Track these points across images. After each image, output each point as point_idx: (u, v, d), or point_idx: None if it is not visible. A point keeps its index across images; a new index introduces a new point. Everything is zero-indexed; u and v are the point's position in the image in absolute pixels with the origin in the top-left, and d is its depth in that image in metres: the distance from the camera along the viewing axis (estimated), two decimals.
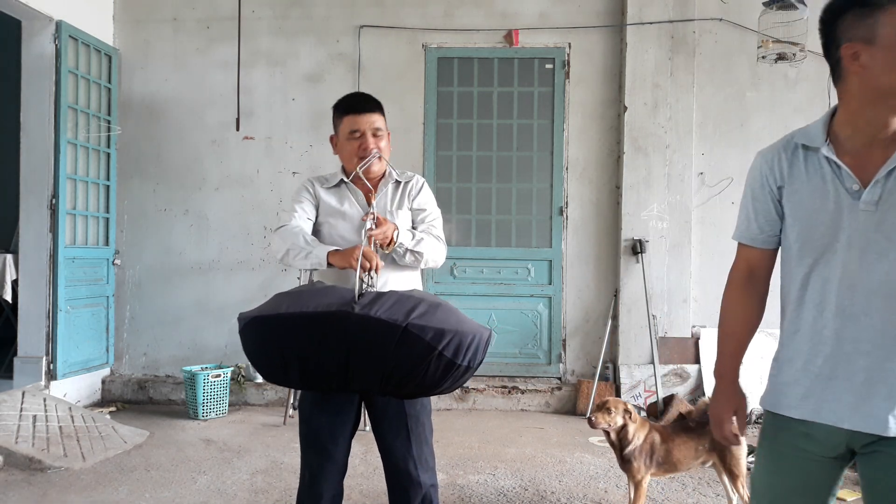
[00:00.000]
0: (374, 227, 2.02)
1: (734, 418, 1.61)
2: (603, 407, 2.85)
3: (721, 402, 1.63)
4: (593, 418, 2.82)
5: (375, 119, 2.22)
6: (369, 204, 2.21)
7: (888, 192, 1.38)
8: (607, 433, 2.87)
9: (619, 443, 2.86)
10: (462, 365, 1.87)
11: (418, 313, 1.83)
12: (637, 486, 2.87)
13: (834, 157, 1.43)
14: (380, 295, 1.89)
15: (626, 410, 2.85)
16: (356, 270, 1.93)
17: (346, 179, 2.26)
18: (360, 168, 2.16)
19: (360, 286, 1.91)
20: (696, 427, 2.97)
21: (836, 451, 1.46)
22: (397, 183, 2.30)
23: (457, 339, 1.84)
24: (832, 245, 1.44)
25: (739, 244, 1.63)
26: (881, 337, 1.39)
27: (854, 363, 1.41)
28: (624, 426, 2.83)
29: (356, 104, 2.23)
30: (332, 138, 2.30)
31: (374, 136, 2.21)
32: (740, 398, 1.61)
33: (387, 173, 2.29)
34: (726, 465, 2.92)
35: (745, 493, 2.95)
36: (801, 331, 1.49)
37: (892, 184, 1.38)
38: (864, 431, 1.40)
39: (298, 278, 4.91)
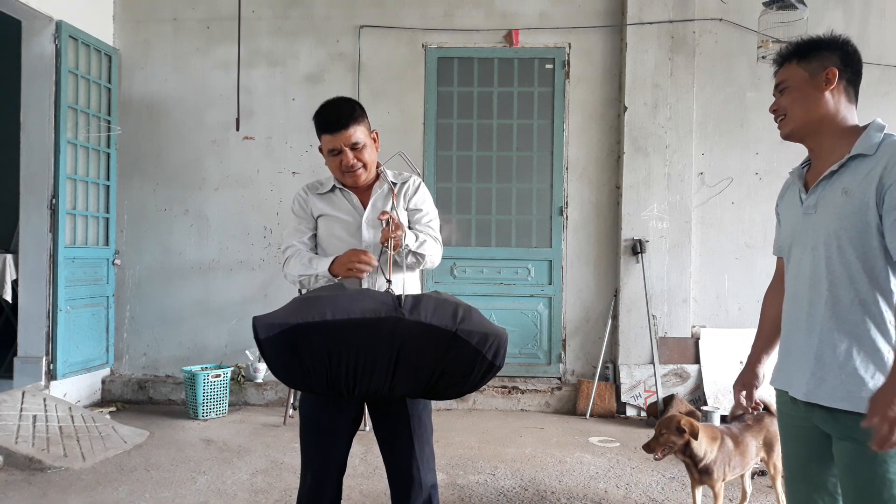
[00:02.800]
0: (391, 227, 2.01)
1: (744, 392, 1.97)
2: (658, 435, 2.73)
3: (738, 379, 2.00)
4: (647, 449, 2.73)
5: (352, 133, 2.14)
6: (364, 206, 2.22)
7: (821, 197, 1.68)
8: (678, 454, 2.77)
9: (691, 459, 2.76)
10: (497, 366, 1.89)
11: (461, 317, 1.85)
12: (716, 495, 2.81)
13: (796, 177, 1.79)
14: (417, 299, 1.88)
15: (680, 429, 2.72)
16: (358, 277, 1.98)
17: (339, 186, 2.26)
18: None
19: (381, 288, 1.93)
20: (753, 424, 2.96)
21: (809, 420, 1.71)
22: (392, 185, 2.28)
23: (496, 341, 1.86)
24: (791, 245, 1.78)
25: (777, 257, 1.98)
26: (807, 317, 1.70)
27: (794, 340, 1.75)
28: (687, 444, 2.72)
29: (329, 123, 2.14)
30: (319, 147, 2.25)
31: (354, 149, 2.15)
32: (751, 378, 1.96)
33: (381, 175, 2.28)
34: (771, 459, 2.93)
35: (780, 487, 2.94)
36: (782, 317, 1.85)
37: (823, 190, 1.67)
38: (793, 396, 1.74)
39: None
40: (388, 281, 2.02)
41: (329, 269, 2.12)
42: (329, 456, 2.11)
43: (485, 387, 5.14)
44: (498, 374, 5.49)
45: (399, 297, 1.87)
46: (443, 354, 1.83)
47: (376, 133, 2.27)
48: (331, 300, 1.84)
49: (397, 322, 1.80)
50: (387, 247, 2.03)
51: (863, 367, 1.59)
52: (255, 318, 1.83)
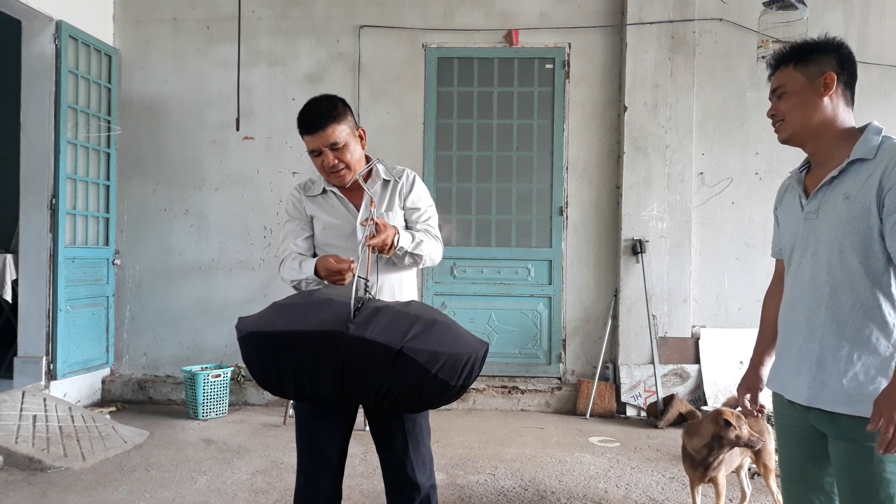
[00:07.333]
0: (374, 233, 1.97)
1: (748, 395, 1.98)
2: (734, 422, 2.62)
3: (741, 382, 2.01)
4: (754, 440, 2.63)
5: (331, 133, 2.08)
6: (357, 208, 2.18)
7: (822, 202, 1.68)
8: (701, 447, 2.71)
9: (709, 453, 2.70)
10: (456, 385, 1.84)
11: (413, 334, 1.79)
12: (718, 493, 2.81)
13: (795, 181, 1.79)
14: (375, 312, 1.84)
15: (727, 422, 2.64)
16: (341, 284, 1.98)
17: (329, 188, 2.22)
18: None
19: (358, 294, 1.90)
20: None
21: (806, 421, 1.72)
22: (385, 182, 2.23)
23: (451, 361, 1.80)
24: (792, 249, 1.78)
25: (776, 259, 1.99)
26: (806, 322, 1.70)
27: (792, 344, 1.75)
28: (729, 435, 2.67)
29: (307, 124, 2.10)
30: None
31: (334, 149, 2.10)
32: (755, 381, 1.97)
33: (373, 173, 2.21)
34: (761, 458, 2.93)
35: (774, 485, 2.95)
36: (779, 320, 1.85)
37: (824, 195, 1.68)
38: (790, 399, 1.75)
39: None
40: (366, 281, 1.99)
41: (315, 272, 2.08)
42: (322, 456, 2.11)
43: (485, 386, 5.16)
44: (498, 374, 5.51)
45: (357, 308, 1.84)
46: (385, 371, 1.78)
47: (363, 131, 2.22)
48: (289, 309, 1.89)
49: (340, 336, 1.78)
50: (382, 254, 2.04)
51: (863, 371, 1.59)
52: (238, 319, 1.95)
